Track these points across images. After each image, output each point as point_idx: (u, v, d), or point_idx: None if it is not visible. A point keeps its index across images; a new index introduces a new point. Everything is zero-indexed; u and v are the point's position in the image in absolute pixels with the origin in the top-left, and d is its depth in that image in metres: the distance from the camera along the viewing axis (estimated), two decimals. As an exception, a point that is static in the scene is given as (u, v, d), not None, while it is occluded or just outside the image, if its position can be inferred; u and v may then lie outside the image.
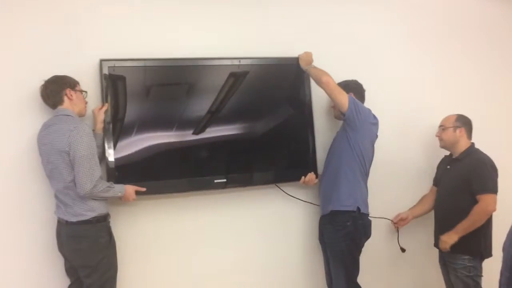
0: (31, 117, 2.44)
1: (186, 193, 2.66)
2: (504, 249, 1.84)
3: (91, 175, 2.24)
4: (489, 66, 3.44)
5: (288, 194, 2.82)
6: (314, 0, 2.95)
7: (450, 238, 2.62)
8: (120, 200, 2.45)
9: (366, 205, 2.60)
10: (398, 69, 3.16)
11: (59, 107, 2.35)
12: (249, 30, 2.82)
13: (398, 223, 2.95)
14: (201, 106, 2.63)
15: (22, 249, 2.49)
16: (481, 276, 2.66)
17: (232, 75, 2.70)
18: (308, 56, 2.74)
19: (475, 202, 2.60)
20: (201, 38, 2.73)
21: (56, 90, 2.34)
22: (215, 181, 2.62)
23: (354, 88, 2.70)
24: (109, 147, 2.47)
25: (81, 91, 2.42)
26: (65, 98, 2.34)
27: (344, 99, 2.51)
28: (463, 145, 2.76)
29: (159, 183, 2.55)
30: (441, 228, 2.76)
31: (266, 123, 2.79)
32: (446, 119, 2.85)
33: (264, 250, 2.87)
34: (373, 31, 3.10)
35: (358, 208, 2.55)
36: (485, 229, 2.65)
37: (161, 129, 2.59)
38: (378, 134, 2.69)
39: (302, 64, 2.74)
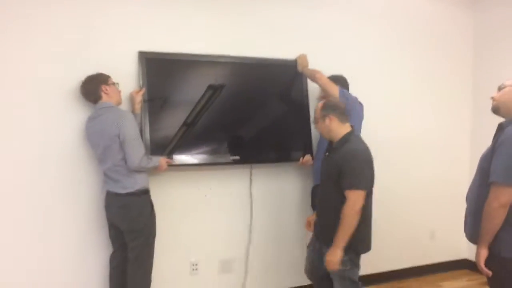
0: (75, 110, 2.84)
1: (207, 166, 3.13)
2: (467, 199, 2.33)
3: (138, 152, 2.66)
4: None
5: None
6: (310, 9, 3.47)
7: (334, 256, 2.38)
8: (155, 171, 2.87)
9: None
10: (377, 68, 3.75)
11: (100, 102, 2.74)
12: (257, 33, 3.32)
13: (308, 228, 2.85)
14: (220, 95, 3.09)
15: (74, 221, 2.91)
16: (357, 269, 2.51)
17: (244, 72, 3.22)
18: (304, 59, 3.29)
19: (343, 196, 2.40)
20: (216, 36, 3.20)
21: (93, 88, 2.74)
22: (231, 157, 3.11)
23: (341, 81, 3.22)
24: (144, 124, 2.90)
25: (114, 83, 2.81)
26: (102, 94, 2.74)
27: (335, 90, 3.05)
28: (338, 133, 2.52)
29: (185, 157, 3.00)
30: (319, 219, 2.63)
31: (271, 113, 3.31)
32: (315, 110, 2.64)
33: (268, 213, 3.41)
34: (357, 33, 3.66)
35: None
36: (359, 223, 2.41)
37: (188, 112, 3.04)
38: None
39: (299, 67, 3.29)
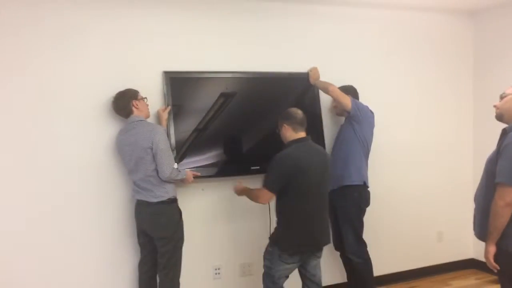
0: (106, 124, 3.06)
1: (229, 177, 3.32)
2: (475, 200, 2.52)
3: (169, 164, 2.83)
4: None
5: None
6: (314, 22, 3.66)
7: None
8: (182, 183, 3.06)
9: (367, 180, 3.34)
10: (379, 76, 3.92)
11: (131, 116, 2.93)
12: (267, 48, 3.52)
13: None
14: (238, 110, 3.31)
15: (104, 230, 3.12)
16: (281, 266, 2.72)
17: (260, 86, 3.43)
18: (316, 72, 3.48)
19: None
20: (231, 53, 3.40)
21: (124, 104, 2.93)
22: (251, 168, 3.30)
23: (351, 91, 3.42)
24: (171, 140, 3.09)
25: (142, 98, 3.00)
26: (133, 108, 2.92)
27: (347, 101, 3.25)
28: (288, 140, 2.76)
29: (209, 169, 3.21)
30: None
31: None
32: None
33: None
34: (359, 45, 3.83)
35: (364, 183, 3.31)
36: (285, 220, 2.72)
37: (211, 127, 3.26)
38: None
39: (311, 80, 3.48)
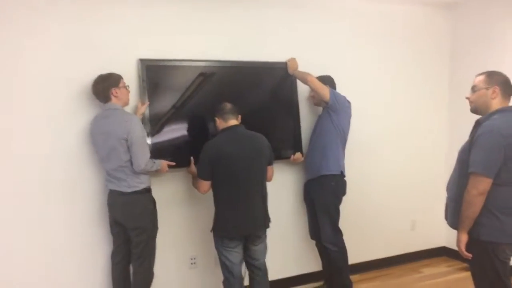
0: (80, 111, 2.97)
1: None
2: (447, 189, 2.57)
3: (144, 156, 2.80)
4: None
5: None
6: (297, 13, 3.65)
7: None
8: (156, 173, 3.01)
9: (344, 169, 3.38)
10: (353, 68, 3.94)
11: (109, 103, 2.85)
12: (248, 37, 3.49)
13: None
14: (215, 99, 3.18)
15: (75, 219, 3.05)
16: (226, 251, 2.84)
17: (236, 75, 3.40)
18: (294, 62, 3.46)
19: None
20: (209, 41, 3.35)
21: (103, 89, 2.84)
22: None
23: (328, 81, 3.42)
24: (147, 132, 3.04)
25: (124, 86, 2.91)
26: (112, 96, 2.85)
27: (326, 92, 3.26)
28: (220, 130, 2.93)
29: (183, 160, 3.15)
30: None
31: (264, 114, 3.48)
32: None
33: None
34: (335, 38, 3.84)
35: (341, 172, 3.34)
36: (216, 206, 2.86)
37: (185, 118, 3.24)
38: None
39: (290, 70, 3.46)
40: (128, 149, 2.77)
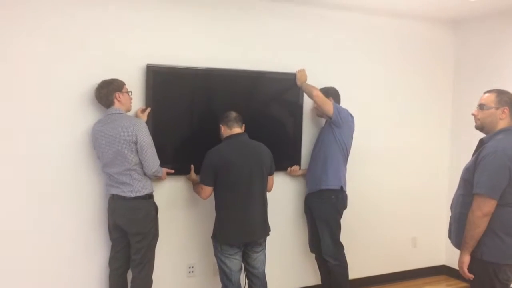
0: (84, 113, 2.97)
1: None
2: (451, 208, 2.54)
3: (155, 159, 2.81)
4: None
5: None
6: (304, 24, 3.65)
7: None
8: (156, 180, 3.02)
9: (345, 184, 3.35)
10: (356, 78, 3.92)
11: (112, 107, 2.85)
12: (254, 46, 3.49)
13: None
14: (221, 107, 3.18)
15: (74, 223, 3.03)
16: (225, 258, 2.87)
17: (244, 84, 3.40)
18: (303, 74, 3.40)
19: None
20: (217, 50, 3.36)
21: (107, 94, 2.84)
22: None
23: (333, 93, 3.41)
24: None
25: (127, 91, 2.92)
26: (115, 100, 2.85)
27: (330, 107, 3.23)
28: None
29: (182, 167, 3.15)
30: None
31: (267, 124, 3.47)
32: None
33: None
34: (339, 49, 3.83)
35: (341, 187, 3.32)
36: (217, 213, 2.91)
37: (188, 125, 3.27)
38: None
39: (298, 82, 3.41)
40: (137, 152, 2.76)
